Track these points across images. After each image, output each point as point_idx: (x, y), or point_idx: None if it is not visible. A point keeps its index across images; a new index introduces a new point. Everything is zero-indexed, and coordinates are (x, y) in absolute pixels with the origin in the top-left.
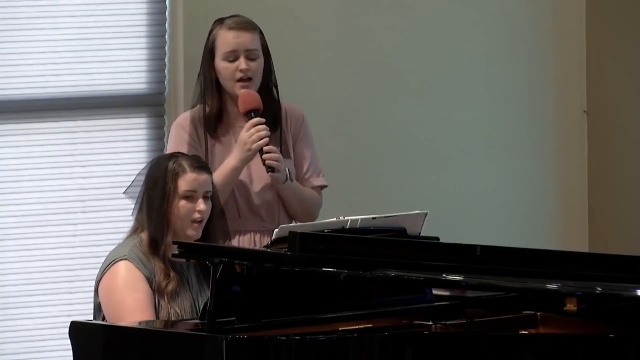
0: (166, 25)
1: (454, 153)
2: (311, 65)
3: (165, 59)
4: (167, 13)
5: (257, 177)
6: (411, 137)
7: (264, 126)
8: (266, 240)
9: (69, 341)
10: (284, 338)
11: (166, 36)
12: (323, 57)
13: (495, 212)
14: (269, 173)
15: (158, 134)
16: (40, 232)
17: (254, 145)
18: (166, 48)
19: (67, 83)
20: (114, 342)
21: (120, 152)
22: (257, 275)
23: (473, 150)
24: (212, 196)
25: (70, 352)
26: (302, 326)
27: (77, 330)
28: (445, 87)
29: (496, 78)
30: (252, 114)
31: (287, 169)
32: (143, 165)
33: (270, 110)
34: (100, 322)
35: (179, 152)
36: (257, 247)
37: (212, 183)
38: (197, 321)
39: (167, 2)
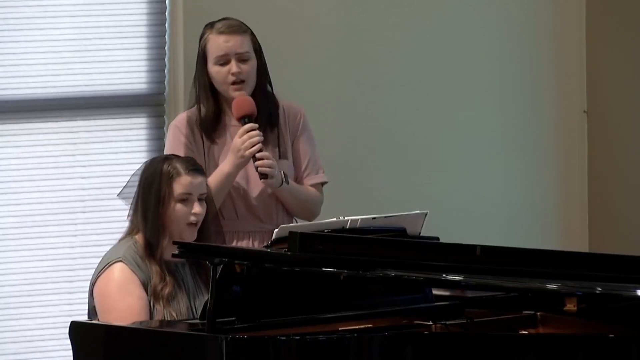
0: (166, 25)
1: (454, 153)
2: (311, 65)
3: (165, 59)
4: (167, 13)
5: (254, 178)
6: (411, 136)
7: (257, 132)
8: (265, 242)
9: (69, 341)
10: (284, 338)
11: (166, 36)
12: (323, 57)
13: (495, 212)
14: (262, 180)
15: (158, 134)
16: (40, 232)
17: (247, 152)
18: (166, 48)
19: (67, 83)
20: (114, 342)
21: (120, 152)
22: (257, 275)
23: (473, 150)
24: (206, 198)
25: (70, 352)
26: (302, 326)
27: (77, 330)
28: (445, 87)
29: (496, 78)
30: (245, 119)
31: (282, 172)
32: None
33: (266, 109)
34: (100, 322)
35: (173, 155)
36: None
37: (207, 185)
38: (197, 321)
39: (167, 2)
